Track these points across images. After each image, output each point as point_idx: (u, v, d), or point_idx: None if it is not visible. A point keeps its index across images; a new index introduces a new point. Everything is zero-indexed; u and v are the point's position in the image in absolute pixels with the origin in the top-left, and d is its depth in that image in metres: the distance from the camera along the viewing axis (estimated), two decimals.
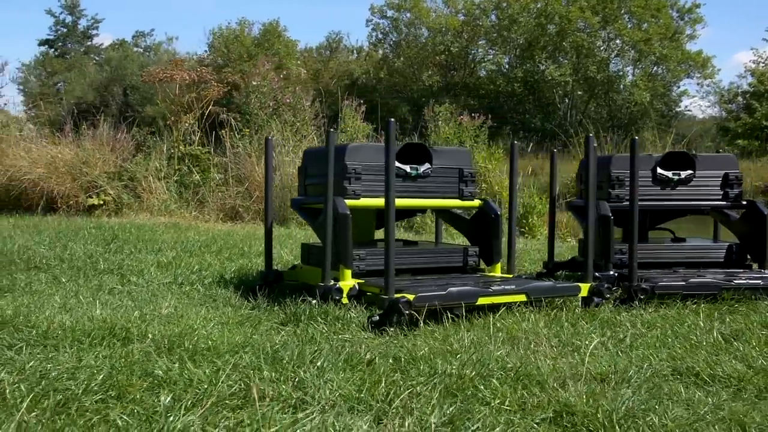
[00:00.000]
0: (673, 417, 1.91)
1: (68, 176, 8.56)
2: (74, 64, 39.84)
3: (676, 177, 4.35)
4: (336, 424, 1.77)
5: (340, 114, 10.30)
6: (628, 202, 4.27)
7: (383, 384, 2.09)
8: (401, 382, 2.12)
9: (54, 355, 2.41)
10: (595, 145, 3.93)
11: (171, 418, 1.76)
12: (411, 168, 3.85)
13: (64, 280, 4.01)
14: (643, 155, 4.61)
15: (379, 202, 3.73)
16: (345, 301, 3.39)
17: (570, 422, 1.88)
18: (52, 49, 44.04)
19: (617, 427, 1.83)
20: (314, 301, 3.30)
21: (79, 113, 17.03)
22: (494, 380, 2.16)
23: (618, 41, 31.82)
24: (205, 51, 34.60)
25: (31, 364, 2.26)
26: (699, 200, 4.40)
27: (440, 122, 9.63)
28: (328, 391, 2.04)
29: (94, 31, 45.79)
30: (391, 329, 2.91)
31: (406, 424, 1.80)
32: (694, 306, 3.48)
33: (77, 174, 8.61)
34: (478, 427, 1.79)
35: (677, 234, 4.78)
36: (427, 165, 3.90)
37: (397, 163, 3.81)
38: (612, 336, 2.83)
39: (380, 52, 37.13)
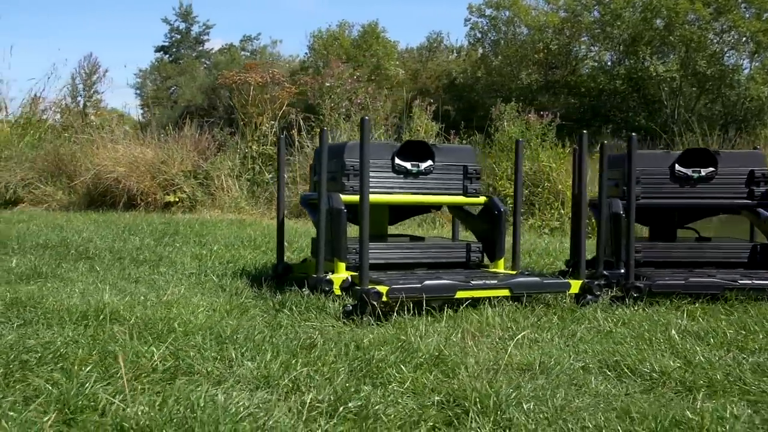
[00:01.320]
0: (562, 404, 1.96)
1: (148, 174, 9.10)
2: (186, 68, 41.83)
3: (696, 174, 4.25)
4: (224, 395, 1.92)
5: (409, 113, 10.43)
6: (644, 200, 4.25)
7: (299, 364, 2.23)
8: (319, 364, 2.25)
9: (39, 330, 2.69)
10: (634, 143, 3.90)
11: (86, 386, 1.97)
12: (412, 165, 3.95)
13: (98, 269, 4.35)
14: (660, 152, 4.54)
15: (378, 198, 3.87)
16: (337, 292, 3.53)
17: (458, 405, 1.96)
18: (167, 55, 46.30)
19: (501, 410, 1.90)
20: (305, 292, 3.47)
21: (188, 115, 17.93)
22: (410, 366, 2.26)
23: (733, 33, 30.34)
24: (305, 53, 35.50)
25: (10, 336, 2.54)
26: (721, 198, 4.28)
27: (504, 121, 9.59)
28: (248, 370, 2.20)
29: (206, 37, 47.83)
30: (364, 319, 3.03)
31: (292, 399, 1.93)
32: (690, 305, 3.41)
33: (156, 172, 9.15)
34: (361, 404, 1.90)
35: (706, 234, 4.66)
36: (429, 162, 3.99)
37: (398, 160, 3.94)
38: (568, 331, 2.85)
39: (480, 51, 36.92)
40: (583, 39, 35.59)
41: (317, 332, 2.76)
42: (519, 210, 4.17)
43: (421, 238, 4.34)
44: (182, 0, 46.68)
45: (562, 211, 8.59)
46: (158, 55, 46.38)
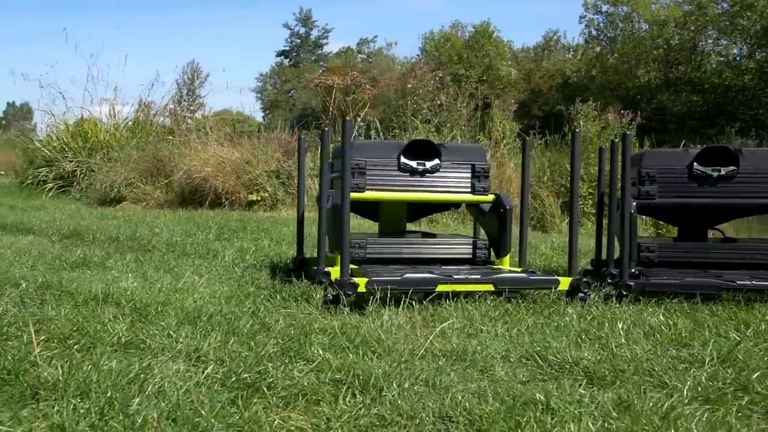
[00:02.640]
0: (445, 385, 2.10)
1: (233, 174, 9.65)
2: (304, 72, 43.24)
3: (715, 173, 4.17)
4: (156, 365, 2.19)
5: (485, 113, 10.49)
6: (659, 199, 4.22)
7: (235, 343, 2.48)
8: (252, 343, 2.49)
9: (43, 308, 3.07)
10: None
11: (37, 353, 2.29)
12: (418, 164, 4.11)
13: (143, 260, 4.77)
14: (679, 150, 4.47)
15: (384, 195, 4.07)
16: None
17: (351, 383, 2.13)
18: (287, 59, 48.00)
19: (381, 389, 2.06)
20: (305, 283, 3.72)
21: (304, 117, 18.72)
22: (334, 348, 2.46)
23: None
24: (418, 55, 35.86)
25: (12, 311, 2.93)
26: (743, 198, 4.17)
27: (581, 121, 9.47)
28: (187, 345, 2.46)
29: (324, 41, 49.28)
30: (344, 307, 3.23)
31: (203, 370, 2.18)
32: (677, 305, 3.40)
33: (241, 172, 9.68)
34: (257, 377, 2.12)
35: (732, 235, 4.54)
36: (435, 161, 4.14)
37: (403, 159, 4.12)
38: (521, 324, 2.94)
39: (598, 49, 36.00)
40: (708, 32, 34.02)
41: (283, 317, 2.98)
42: (526, 208, 4.24)
43: (433, 235, 4.48)
44: (302, 5, 48.26)
45: None
46: (279, 59, 48.16)
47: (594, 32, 35.19)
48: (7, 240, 5.72)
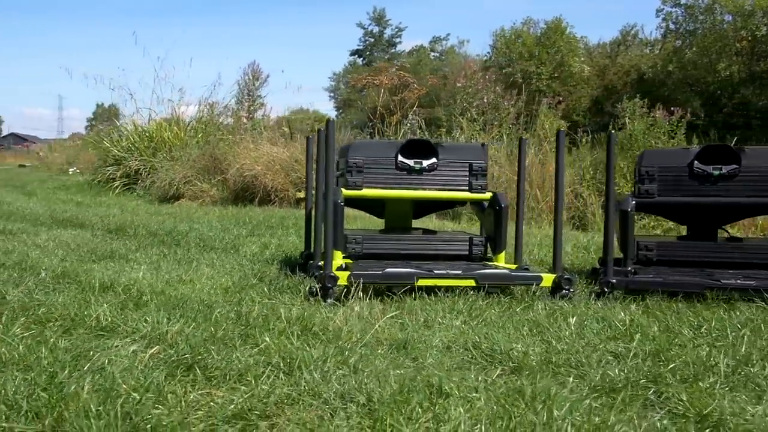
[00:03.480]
0: (363, 368, 2.25)
1: (282, 173, 9.96)
2: (377, 71, 43.60)
3: (716, 172, 4.15)
4: (113, 346, 2.43)
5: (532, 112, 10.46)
6: (659, 198, 4.23)
7: (198, 330, 2.69)
8: (212, 329, 2.70)
9: (48, 293, 3.36)
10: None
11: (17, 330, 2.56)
12: (415, 162, 4.25)
13: (166, 252, 5.08)
14: (679, 148, 4.46)
15: (381, 192, 4.22)
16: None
17: (280, 366, 2.31)
18: (361, 58, 48.47)
19: (301, 369, 2.23)
20: (299, 276, 3.92)
21: (375, 116, 18.98)
22: (285, 335, 2.64)
23: None
24: (488, 53, 35.67)
25: (16, 294, 3.23)
26: (746, 196, 4.14)
27: (627, 119, 9.35)
28: (151, 329, 2.69)
29: (398, 39, 49.53)
30: (329, 299, 3.41)
31: (153, 350, 2.40)
32: (661, 302, 3.44)
33: (290, 170, 9.99)
34: (199, 358, 2.33)
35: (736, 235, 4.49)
36: (433, 159, 4.26)
37: (401, 158, 4.26)
38: (482, 318, 3.05)
39: (678, 42, 34.94)
40: None
41: (261, 307, 3.18)
42: (522, 206, 4.32)
43: (434, 232, 4.60)
44: (376, 4, 48.65)
45: None
46: (352, 58, 48.68)
47: (672, 26, 34.16)
48: (55, 233, 6.14)
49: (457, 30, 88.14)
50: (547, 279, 3.72)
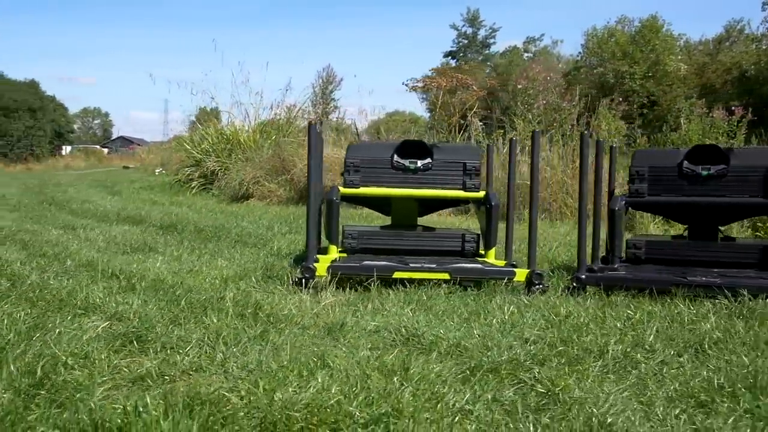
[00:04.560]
0: (279, 346, 2.53)
1: (328, 173, 10.31)
2: (470, 72, 43.59)
3: (705, 172, 4.19)
4: (78, 321, 2.81)
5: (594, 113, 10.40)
6: (649, 197, 4.31)
7: (155, 307, 3.04)
8: (177, 310, 3.04)
9: (64, 280, 3.81)
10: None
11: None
12: (410, 162, 4.48)
13: (195, 246, 5.49)
14: (670, 149, 4.49)
15: (377, 190, 4.47)
16: (322, 272, 4.16)
17: (204, 339, 2.62)
18: (454, 60, 48.50)
19: (228, 346, 2.53)
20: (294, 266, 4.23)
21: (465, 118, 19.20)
22: (226, 314, 2.96)
23: None
24: (579, 53, 35.03)
25: (33, 278, 3.68)
26: (733, 196, 4.16)
27: (682, 119, 9.19)
28: (119, 308, 3.06)
29: (492, 40, 49.28)
30: (310, 289, 3.70)
31: (107, 325, 2.76)
32: (616, 297, 3.55)
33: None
34: (141, 333, 2.67)
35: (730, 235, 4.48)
36: (427, 160, 4.48)
37: (396, 158, 4.50)
38: (425, 307, 3.27)
39: None
40: None
41: (235, 293, 3.50)
42: (513, 204, 4.47)
43: (432, 229, 4.80)
44: (470, 5, 48.60)
45: None
46: (446, 59, 48.78)
47: None
48: (111, 228, 6.71)
49: (552, 30, 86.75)
50: (521, 274, 3.87)
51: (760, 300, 3.38)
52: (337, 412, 1.82)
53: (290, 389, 1.99)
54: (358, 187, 4.46)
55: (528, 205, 8.76)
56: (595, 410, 1.92)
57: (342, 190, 4.42)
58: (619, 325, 2.93)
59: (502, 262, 4.25)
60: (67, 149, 42.67)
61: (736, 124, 9.01)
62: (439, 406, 1.91)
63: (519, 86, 11.48)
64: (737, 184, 4.13)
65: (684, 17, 68.29)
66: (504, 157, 9.71)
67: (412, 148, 4.52)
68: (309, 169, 4.02)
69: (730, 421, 1.88)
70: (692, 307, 3.24)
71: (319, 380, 2.06)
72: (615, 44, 32.82)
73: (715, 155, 4.21)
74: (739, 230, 7.43)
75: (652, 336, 2.71)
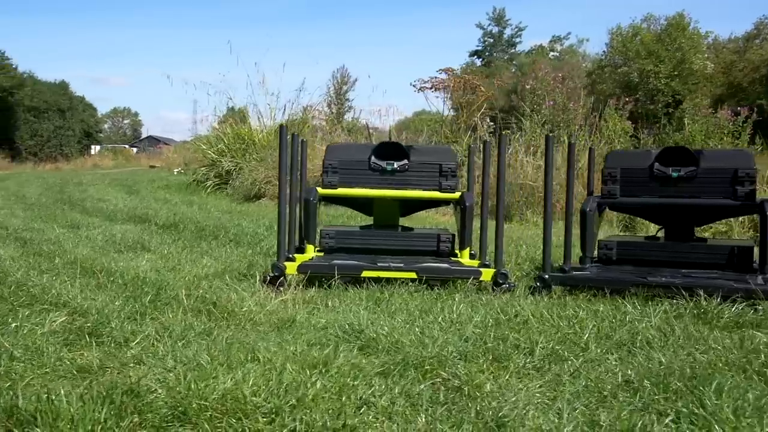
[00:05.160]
0: (229, 339, 2.65)
1: None
2: (494, 72, 43.45)
3: (675, 173, 4.24)
4: (40, 315, 2.96)
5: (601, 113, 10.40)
6: (621, 198, 4.37)
7: (118, 303, 3.19)
8: (138, 305, 3.19)
9: (46, 276, 3.97)
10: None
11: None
12: (387, 164, 4.58)
13: (188, 245, 5.65)
14: (641, 150, 4.54)
15: (355, 191, 4.58)
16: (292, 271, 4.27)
17: (152, 333, 2.75)
18: (480, 59, 48.41)
19: (174, 338, 2.67)
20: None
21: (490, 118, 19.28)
22: (176, 310, 3.09)
23: None
24: (603, 51, 34.76)
25: (18, 275, 3.86)
26: (702, 198, 4.19)
27: (686, 119, 9.15)
28: (77, 300, 3.21)
29: (518, 39, 49.09)
30: (274, 286, 3.83)
31: (63, 316, 2.91)
32: (585, 296, 3.63)
33: None
34: (94, 326, 2.81)
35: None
36: (404, 161, 4.58)
37: (374, 159, 4.60)
38: (382, 305, 3.37)
39: None
40: None
41: (203, 290, 3.63)
42: (486, 205, 4.55)
43: (410, 229, 4.89)
44: (496, 4, 48.48)
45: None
46: (471, 59, 48.71)
47: None
48: (114, 227, 6.90)
49: (578, 29, 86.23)
50: (487, 273, 3.96)
51: (714, 299, 3.41)
52: (244, 403, 1.93)
53: (211, 380, 2.11)
54: (336, 188, 4.57)
55: (528, 206, 8.82)
56: (494, 404, 2.01)
57: (320, 190, 4.54)
58: (562, 323, 3.00)
59: (475, 262, 4.33)
60: (95, 149, 43.48)
61: (741, 124, 8.95)
62: (344, 397, 2.01)
63: (527, 86, 11.49)
64: (706, 185, 4.17)
65: (713, 15, 67.33)
66: (511, 157, 9.78)
67: (389, 150, 4.62)
68: (279, 170, 4.14)
69: (623, 414, 1.95)
70: (639, 307, 3.29)
71: (239, 373, 2.18)
72: (640, 43, 32.53)
73: (685, 157, 4.24)
74: (740, 231, 7.45)
75: (587, 334, 2.78)
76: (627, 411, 1.97)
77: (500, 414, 1.93)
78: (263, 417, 1.88)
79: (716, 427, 1.85)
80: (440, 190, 4.55)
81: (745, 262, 4.08)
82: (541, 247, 5.63)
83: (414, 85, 11.51)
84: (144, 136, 62.82)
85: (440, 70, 11.01)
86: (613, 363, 2.48)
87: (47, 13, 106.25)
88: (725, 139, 8.79)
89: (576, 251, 5.26)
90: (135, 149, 49.74)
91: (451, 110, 13.36)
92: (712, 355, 2.53)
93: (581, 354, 2.58)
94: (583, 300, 3.59)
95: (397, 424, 1.89)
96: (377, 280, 3.92)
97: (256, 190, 11.92)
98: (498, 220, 4.15)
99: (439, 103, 23.44)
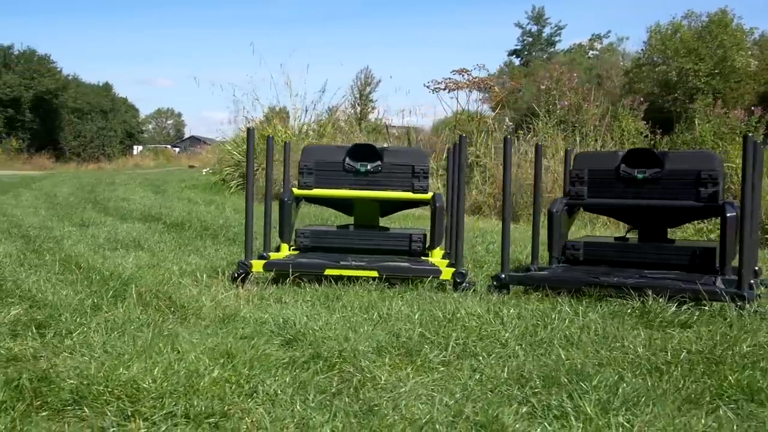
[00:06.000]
0: (174, 333, 2.81)
1: None
2: (532, 71, 43.15)
3: (640, 175, 4.28)
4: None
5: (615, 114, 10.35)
6: (588, 199, 4.43)
7: (77, 297, 3.38)
8: (90, 297, 3.37)
9: (27, 271, 4.20)
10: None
11: None
12: (361, 165, 4.70)
13: (183, 243, 5.85)
14: (607, 151, 4.58)
15: (330, 192, 4.72)
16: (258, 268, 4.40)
17: (100, 324, 2.93)
18: (519, 58, 48.12)
19: (117, 330, 2.84)
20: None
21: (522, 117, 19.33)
22: (128, 303, 3.27)
23: None
24: (641, 49, 34.26)
25: (21, 273, 4.09)
26: (667, 199, 4.23)
27: (696, 119, 9.06)
28: (49, 298, 3.41)
29: (557, 38, 48.66)
30: (240, 283, 3.99)
31: (27, 308, 3.10)
32: (537, 295, 3.72)
33: None
34: (42, 318, 3.00)
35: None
36: (377, 162, 4.70)
37: (348, 161, 4.73)
38: (337, 304, 3.50)
39: None
40: None
41: (169, 286, 3.81)
42: (461, 205, 4.63)
43: (387, 229, 5.00)
44: (535, 3, 48.11)
45: None
46: (509, 58, 48.44)
47: None
48: (122, 226, 7.15)
49: (619, 27, 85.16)
50: (447, 273, 4.05)
51: (662, 300, 3.45)
52: (138, 389, 2.08)
53: (121, 368, 2.26)
54: (312, 189, 4.72)
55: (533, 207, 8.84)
56: (374, 395, 2.13)
57: (296, 191, 4.70)
58: (493, 321, 3.09)
59: (445, 262, 4.42)
60: (137, 149, 44.50)
61: (754, 124, 8.84)
62: (234, 386, 2.15)
63: (542, 87, 11.49)
64: (671, 187, 4.20)
65: (759, 11, 65.74)
66: (521, 158, 9.82)
67: (363, 152, 4.75)
68: (247, 172, 4.29)
69: (511, 408, 2.05)
70: (576, 306, 3.36)
71: (150, 362, 2.33)
72: (679, 41, 31.98)
73: (650, 159, 4.28)
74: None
75: (510, 332, 2.87)
76: (494, 403, 2.07)
77: (373, 403, 2.05)
78: (151, 401, 2.02)
79: (572, 419, 1.94)
80: (413, 190, 4.66)
81: (708, 263, 4.10)
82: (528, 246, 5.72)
83: (427, 86, 11.60)
84: (187, 136, 63.94)
85: (454, 71, 11.08)
86: (521, 359, 2.57)
87: (93, 15, 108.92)
88: (737, 139, 8.68)
89: None
90: (177, 149, 50.75)
91: (491, 110, 13.42)
92: (619, 353, 2.61)
93: (496, 351, 2.66)
94: (534, 300, 3.66)
95: (277, 411, 2.02)
96: (344, 278, 4.04)
97: (276, 190, 12.08)
98: (458, 221, 4.24)
99: (453, 104, 23.44)
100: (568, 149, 5.10)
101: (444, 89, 11.42)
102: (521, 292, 3.94)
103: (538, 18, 48.26)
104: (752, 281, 3.77)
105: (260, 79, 43.17)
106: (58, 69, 37.85)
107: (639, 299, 3.50)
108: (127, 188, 14.71)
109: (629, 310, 3.37)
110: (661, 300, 3.46)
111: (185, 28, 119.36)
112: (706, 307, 3.43)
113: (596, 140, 10.08)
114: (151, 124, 68.36)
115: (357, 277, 4.04)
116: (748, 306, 3.39)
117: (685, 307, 3.37)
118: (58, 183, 16.47)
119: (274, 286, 3.99)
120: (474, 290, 3.94)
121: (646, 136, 10.00)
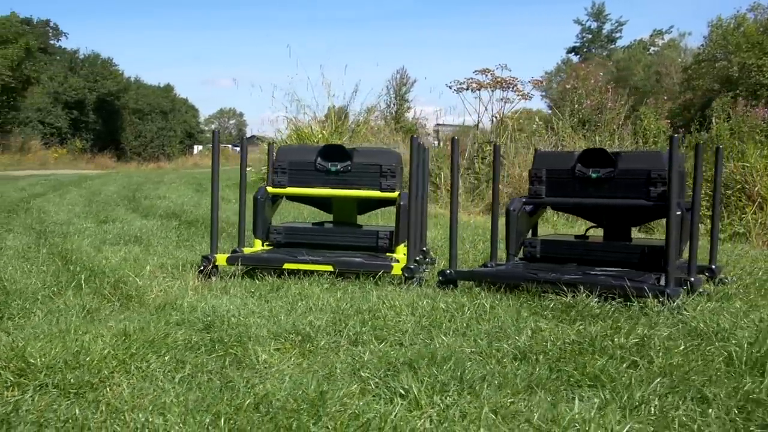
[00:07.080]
0: (138, 329, 3.09)
1: None
2: (593, 68, 42.50)
3: (594, 174, 4.38)
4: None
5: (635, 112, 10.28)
6: (547, 198, 4.56)
7: (44, 286, 3.69)
8: (54, 285, 3.68)
9: (21, 263, 4.56)
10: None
11: None
12: (331, 165, 4.92)
13: (184, 239, 6.17)
14: (564, 151, 4.67)
15: (302, 190, 4.96)
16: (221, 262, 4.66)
17: (48, 311, 3.23)
18: (577, 56, 47.44)
19: (61, 318, 3.13)
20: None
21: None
22: (87, 295, 3.56)
23: None
24: (701, 45, 33.40)
25: (16, 268, 4.47)
26: (619, 198, 4.31)
27: (713, 118, 8.93)
28: (33, 285, 3.73)
29: (618, 35, 47.78)
30: (204, 276, 4.27)
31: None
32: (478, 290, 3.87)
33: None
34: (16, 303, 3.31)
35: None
36: (347, 162, 4.91)
37: (319, 161, 4.95)
38: (273, 293, 3.72)
39: None
40: None
41: (139, 278, 4.10)
42: (421, 203, 4.81)
43: (359, 226, 5.19)
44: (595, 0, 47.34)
45: (758, 215, 7.88)
46: (567, 56, 47.81)
47: None
48: (136, 222, 7.55)
49: (681, 22, 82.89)
50: (396, 268, 4.23)
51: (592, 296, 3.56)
52: (27, 363, 2.35)
53: (30, 347, 2.53)
54: (285, 187, 4.96)
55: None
56: (238, 374, 2.35)
57: (269, 189, 4.94)
58: (403, 312, 3.26)
59: (403, 258, 4.59)
60: (197, 148, 45.70)
61: None
62: (119, 363, 2.40)
63: (567, 86, 11.46)
64: (623, 186, 4.28)
65: None
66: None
67: (333, 152, 4.96)
68: (213, 173, 4.55)
69: (349, 388, 2.23)
70: (498, 300, 3.50)
71: (56, 342, 2.59)
72: (742, 35, 31.04)
73: (604, 158, 4.37)
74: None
75: (411, 322, 3.05)
76: (335, 382, 2.26)
77: (229, 381, 2.27)
78: (35, 374, 2.28)
79: (398, 397, 2.11)
80: (380, 189, 4.85)
81: (656, 261, 4.18)
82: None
83: (450, 86, 11.69)
84: (248, 135, 64.99)
85: (476, 71, 11.16)
86: (397, 346, 2.74)
87: (155, 17, 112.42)
88: (757, 137, 8.55)
89: None
90: (237, 149, 51.50)
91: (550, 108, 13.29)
92: (503, 343, 2.75)
93: (387, 338, 2.84)
94: (469, 295, 3.80)
95: (143, 384, 2.25)
96: (301, 272, 4.27)
97: None
98: (414, 220, 4.41)
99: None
100: (537, 150, 5.20)
101: (467, 89, 11.52)
102: (468, 288, 4.06)
103: (598, 14, 47.50)
104: (693, 279, 3.84)
105: (299, 80, 43.66)
106: (120, 71, 39.32)
107: (571, 295, 3.61)
108: (170, 187, 15.25)
109: (552, 305, 3.48)
110: (591, 296, 3.56)
111: (242, 26, 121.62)
112: (635, 305, 3.51)
113: (614, 139, 10.05)
114: (213, 124, 69.99)
115: (314, 272, 4.26)
116: (668, 302, 3.46)
117: (613, 303, 3.47)
118: (108, 181, 17.17)
119: (236, 279, 4.23)
120: (420, 285, 4.10)
121: (669, 136, 9.88)
